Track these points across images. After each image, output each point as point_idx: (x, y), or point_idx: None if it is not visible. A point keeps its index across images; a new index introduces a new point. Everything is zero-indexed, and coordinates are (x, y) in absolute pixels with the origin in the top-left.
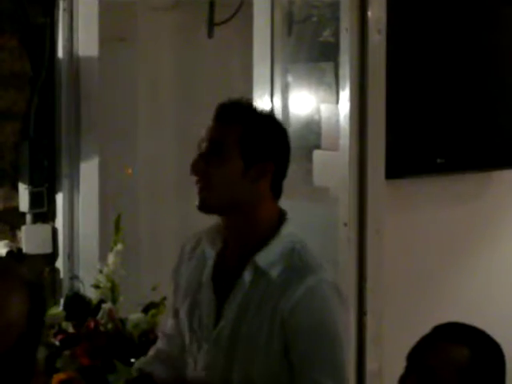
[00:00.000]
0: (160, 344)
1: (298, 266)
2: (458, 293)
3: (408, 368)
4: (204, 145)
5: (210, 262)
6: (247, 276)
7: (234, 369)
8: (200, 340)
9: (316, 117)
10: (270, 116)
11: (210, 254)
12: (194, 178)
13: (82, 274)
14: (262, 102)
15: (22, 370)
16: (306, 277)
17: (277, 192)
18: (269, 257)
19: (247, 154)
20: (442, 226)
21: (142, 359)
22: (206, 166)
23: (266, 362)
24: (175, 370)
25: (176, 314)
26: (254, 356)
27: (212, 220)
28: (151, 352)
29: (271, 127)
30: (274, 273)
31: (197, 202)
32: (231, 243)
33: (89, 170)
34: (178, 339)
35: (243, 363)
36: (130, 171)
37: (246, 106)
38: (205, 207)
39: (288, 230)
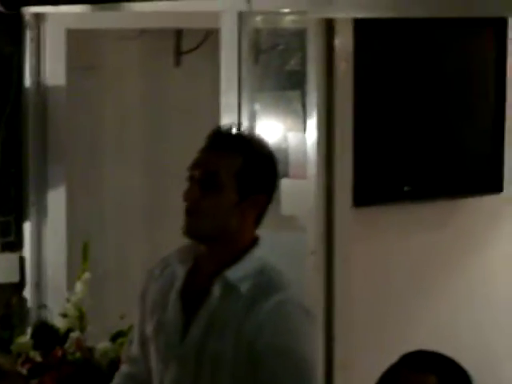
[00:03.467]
0: (126, 368)
1: (265, 284)
2: (425, 319)
3: None
4: (198, 172)
5: (180, 280)
6: (216, 291)
7: None
8: (166, 359)
9: (283, 145)
10: (265, 148)
11: (180, 272)
12: (185, 204)
13: (49, 302)
14: None
15: None
16: (272, 295)
17: (259, 221)
18: (239, 273)
19: (243, 187)
20: (409, 253)
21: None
22: (200, 195)
23: (233, 380)
24: None
25: (142, 338)
26: (220, 374)
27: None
28: (117, 377)
29: (267, 160)
30: (243, 288)
31: (183, 228)
32: (203, 263)
33: (56, 199)
34: (144, 363)
35: (210, 381)
36: None
37: (244, 137)
38: (191, 234)
39: (259, 253)
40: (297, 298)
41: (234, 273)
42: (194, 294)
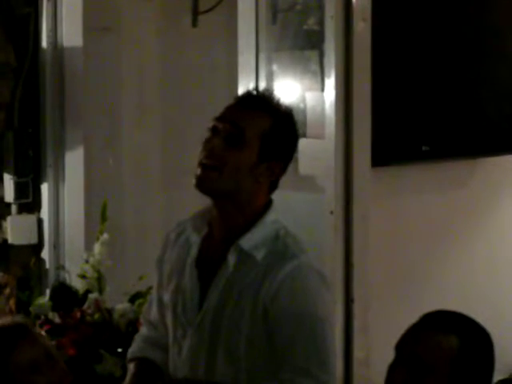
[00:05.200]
0: (145, 331)
1: (280, 250)
2: (444, 279)
3: (397, 358)
4: (224, 125)
5: (195, 248)
6: (231, 259)
7: (218, 353)
8: (184, 325)
9: (301, 105)
10: (292, 117)
11: (195, 239)
12: (202, 154)
13: (67, 264)
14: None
15: None
16: (287, 261)
17: (273, 187)
18: (252, 241)
19: (265, 150)
20: (427, 213)
21: (134, 347)
22: (221, 148)
23: (250, 346)
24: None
25: (160, 302)
26: (237, 340)
27: (198, 209)
28: (138, 339)
29: (293, 130)
30: (258, 256)
31: (196, 180)
32: (216, 229)
33: (74, 160)
34: (163, 328)
35: (227, 348)
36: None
37: (275, 102)
38: (204, 187)
39: (272, 217)
40: (311, 263)
41: (248, 241)
42: (209, 261)
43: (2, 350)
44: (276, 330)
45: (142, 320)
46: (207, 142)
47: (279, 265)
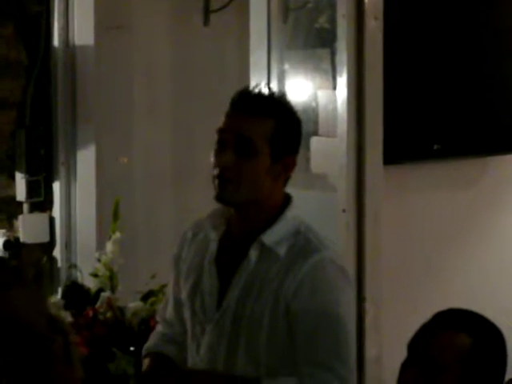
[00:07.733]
0: (161, 329)
1: (301, 245)
2: (456, 278)
3: (409, 357)
4: (230, 136)
5: (213, 245)
6: (253, 254)
7: (238, 349)
8: (203, 322)
9: (313, 103)
10: (293, 108)
11: (213, 237)
12: (216, 170)
13: (79, 262)
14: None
15: None
16: (309, 256)
17: (287, 180)
18: (274, 236)
19: (276, 151)
20: (439, 212)
21: (150, 343)
22: (234, 161)
23: (271, 341)
24: (184, 352)
25: (177, 301)
26: (258, 335)
27: (209, 207)
28: (154, 336)
29: (297, 121)
30: (280, 251)
31: (217, 194)
32: (236, 226)
33: (85, 159)
34: (179, 326)
35: (247, 343)
36: (125, 160)
37: (274, 100)
38: (226, 200)
39: (293, 213)
40: (333, 258)
41: (270, 236)
42: (228, 258)
43: None
44: (297, 324)
45: (158, 318)
46: (217, 156)
47: (301, 260)
